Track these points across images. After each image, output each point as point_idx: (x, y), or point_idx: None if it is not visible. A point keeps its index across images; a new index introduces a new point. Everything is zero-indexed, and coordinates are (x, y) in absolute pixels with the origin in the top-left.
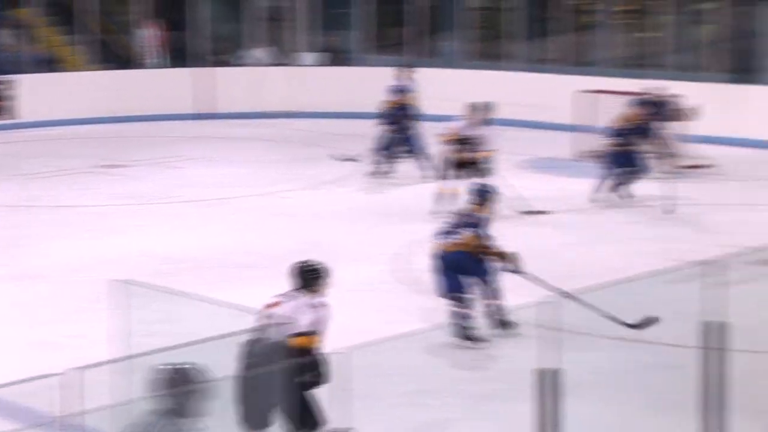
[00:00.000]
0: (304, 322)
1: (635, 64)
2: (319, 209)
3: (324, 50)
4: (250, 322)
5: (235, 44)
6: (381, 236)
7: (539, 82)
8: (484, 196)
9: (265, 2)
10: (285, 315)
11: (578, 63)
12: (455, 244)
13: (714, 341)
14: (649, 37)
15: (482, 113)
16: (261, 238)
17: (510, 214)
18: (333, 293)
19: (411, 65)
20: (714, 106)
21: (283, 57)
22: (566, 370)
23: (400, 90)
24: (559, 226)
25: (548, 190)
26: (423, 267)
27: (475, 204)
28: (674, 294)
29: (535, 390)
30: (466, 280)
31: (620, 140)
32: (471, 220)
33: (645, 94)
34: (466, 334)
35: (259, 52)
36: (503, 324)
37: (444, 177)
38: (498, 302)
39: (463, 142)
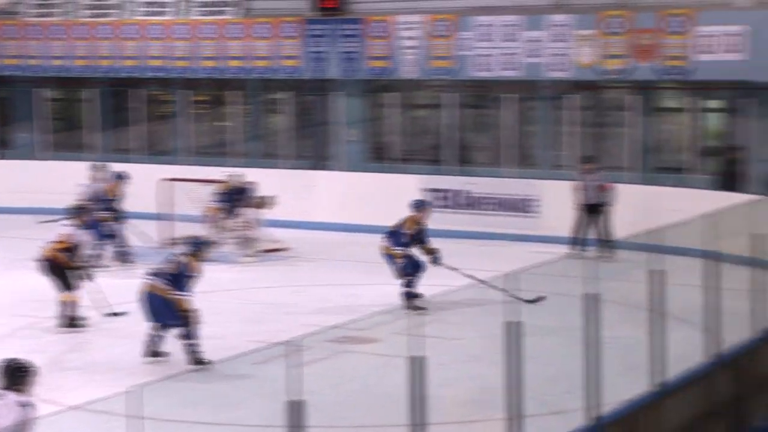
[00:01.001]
0: (7, 422)
1: (215, 153)
2: None
3: None
4: None
5: None
6: None
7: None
8: (197, 247)
9: None
10: None
11: (158, 152)
12: (153, 287)
13: (296, 419)
14: (226, 126)
15: (86, 214)
16: None
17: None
18: None
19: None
20: (287, 191)
21: None
22: None
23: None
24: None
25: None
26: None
27: (187, 255)
28: (261, 374)
29: None
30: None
31: (409, 248)
32: (176, 271)
33: (227, 181)
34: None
35: None
36: (197, 362)
37: (69, 287)
38: (191, 342)
39: (72, 249)
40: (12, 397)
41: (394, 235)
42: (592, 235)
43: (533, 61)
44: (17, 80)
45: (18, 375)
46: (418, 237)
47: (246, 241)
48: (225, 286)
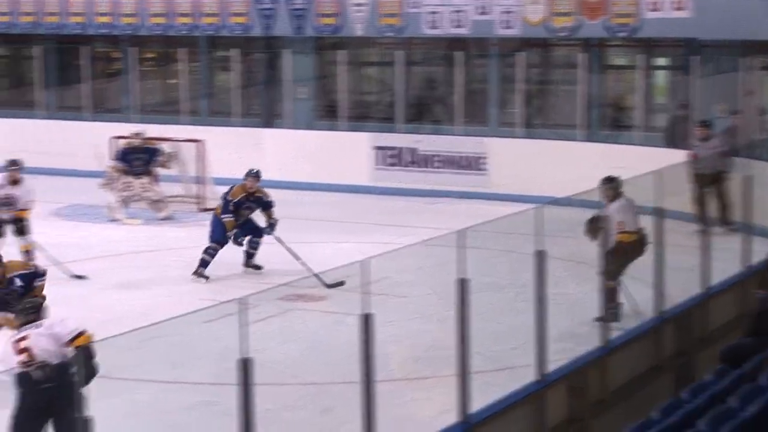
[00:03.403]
0: (68, 330)
1: (163, 111)
2: None
3: None
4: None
5: None
6: None
7: (68, 129)
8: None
9: None
10: (46, 334)
11: (106, 110)
12: None
13: (246, 377)
14: (174, 83)
15: (15, 169)
16: None
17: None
18: None
19: None
20: (237, 149)
21: None
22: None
23: None
24: (93, 272)
25: (83, 237)
26: None
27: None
28: (212, 333)
29: None
30: None
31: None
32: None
33: (131, 139)
34: None
35: None
36: None
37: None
38: None
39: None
40: (44, 323)
41: (224, 201)
42: (711, 208)
43: (482, 19)
44: None
45: (34, 311)
46: (253, 204)
47: (155, 202)
48: (168, 245)
